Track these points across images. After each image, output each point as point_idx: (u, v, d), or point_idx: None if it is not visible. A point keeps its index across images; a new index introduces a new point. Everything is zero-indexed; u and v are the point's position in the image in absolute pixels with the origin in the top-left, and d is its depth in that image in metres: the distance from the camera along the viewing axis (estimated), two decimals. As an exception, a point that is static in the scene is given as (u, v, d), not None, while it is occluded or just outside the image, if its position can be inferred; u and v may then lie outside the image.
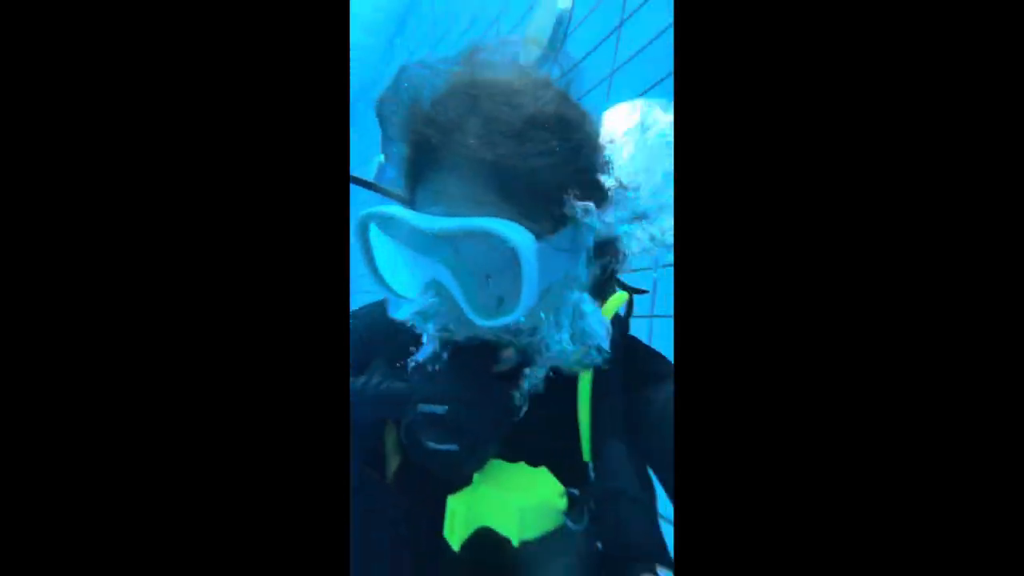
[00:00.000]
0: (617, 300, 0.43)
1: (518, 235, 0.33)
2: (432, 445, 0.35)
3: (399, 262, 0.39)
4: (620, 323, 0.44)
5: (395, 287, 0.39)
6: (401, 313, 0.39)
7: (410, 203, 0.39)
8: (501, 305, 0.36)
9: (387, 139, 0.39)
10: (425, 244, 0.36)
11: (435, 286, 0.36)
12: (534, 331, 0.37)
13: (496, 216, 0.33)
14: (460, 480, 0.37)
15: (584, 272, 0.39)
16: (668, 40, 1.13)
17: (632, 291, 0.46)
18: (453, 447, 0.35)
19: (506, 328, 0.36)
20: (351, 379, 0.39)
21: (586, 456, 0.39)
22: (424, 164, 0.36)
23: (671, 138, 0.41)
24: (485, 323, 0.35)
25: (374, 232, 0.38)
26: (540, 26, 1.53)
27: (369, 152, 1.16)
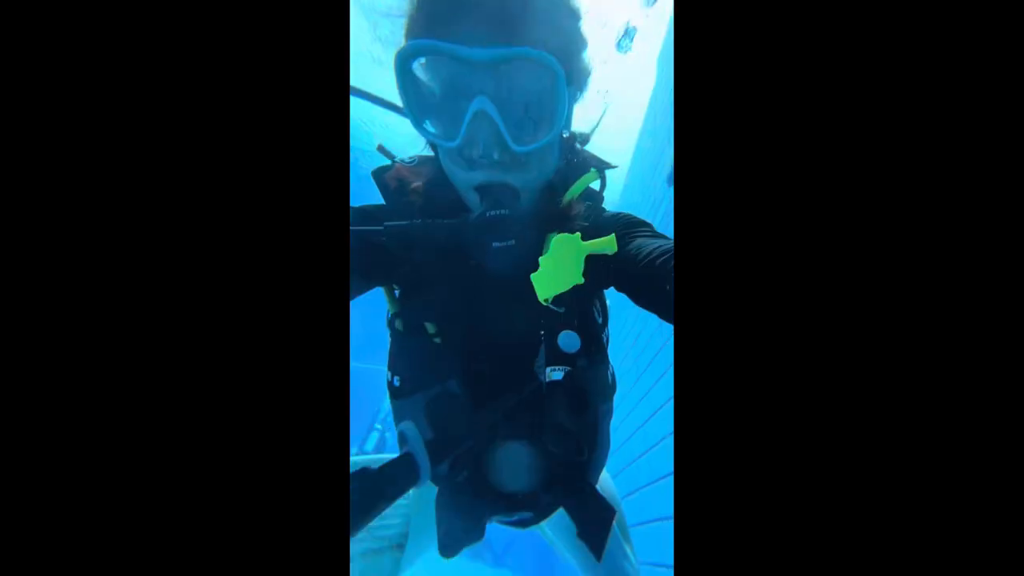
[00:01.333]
0: (589, 177, 0.51)
1: (554, 61, 0.39)
2: (496, 244, 0.43)
3: (443, 104, 0.43)
4: (596, 198, 0.53)
5: (438, 131, 0.44)
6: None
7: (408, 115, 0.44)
8: (536, 130, 0.43)
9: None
10: (467, 76, 0.40)
11: (481, 116, 0.40)
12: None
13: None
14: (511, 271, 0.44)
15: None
16: None
17: (601, 165, 0.52)
18: (510, 242, 0.43)
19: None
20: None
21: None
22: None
23: None
24: (521, 149, 0.42)
25: (414, 73, 0.42)
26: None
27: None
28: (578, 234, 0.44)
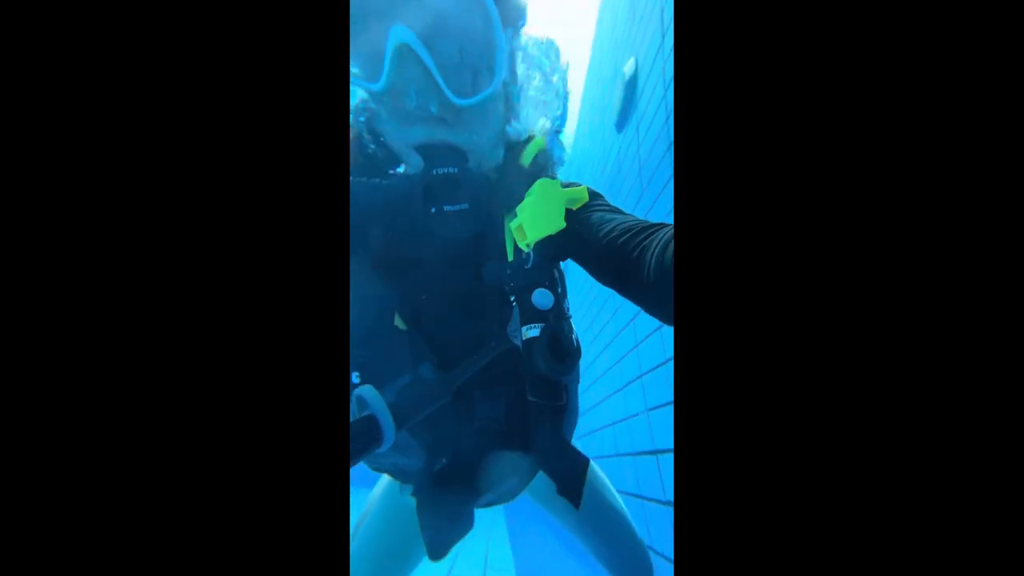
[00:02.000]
0: (537, 143, 0.48)
1: None
2: (447, 208, 0.41)
3: (354, 33, 0.37)
4: (542, 164, 0.49)
5: (357, 69, 0.38)
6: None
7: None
8: (475, 79, 0.39)
9: None
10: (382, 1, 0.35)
11: (406, 53, 0.35)
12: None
13: None
14: (467, 235, 0.42)
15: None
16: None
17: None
18: (463, 206, 0.41)
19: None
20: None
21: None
22: None
23: None
24: (463, 102, 0.38)
25: None
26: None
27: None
28: (558, 180, 0.42)
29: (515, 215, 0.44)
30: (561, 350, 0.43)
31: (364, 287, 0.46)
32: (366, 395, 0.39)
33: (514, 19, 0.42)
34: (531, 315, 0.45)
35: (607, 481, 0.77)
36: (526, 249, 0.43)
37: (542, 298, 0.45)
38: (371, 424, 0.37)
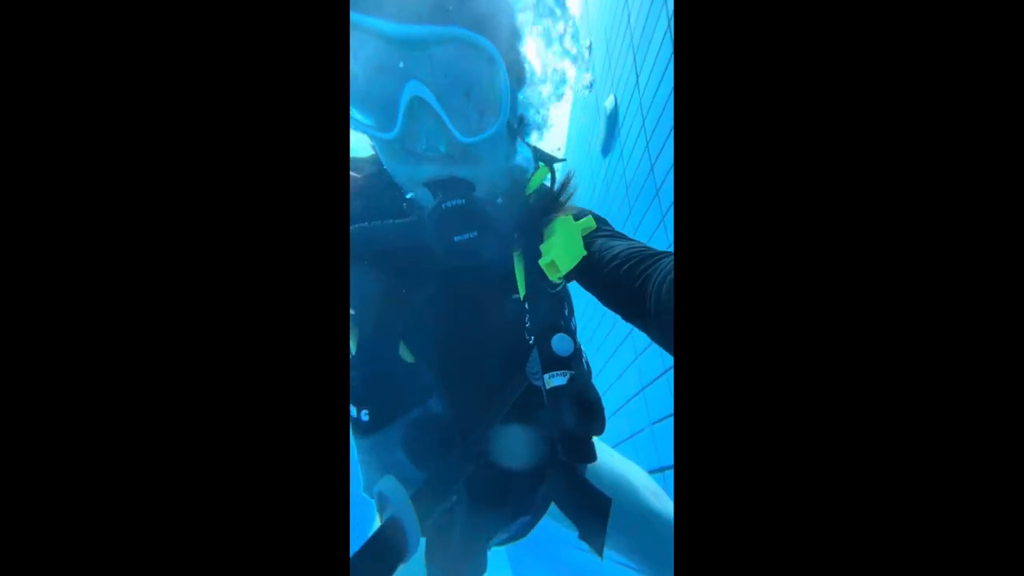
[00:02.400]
0: (541, 173, 0.51)
1: (489, 44, 0.37)
2: (456, 238, 0.42)
3: (368, 89, 0.39)
4: (548, 193, 0.52)
5: (372, 121, 0.40)
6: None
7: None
8: (481, 119, 0.41)
9: None
10: (394, 57, 0.36)
11: (418, 104, 0.38)
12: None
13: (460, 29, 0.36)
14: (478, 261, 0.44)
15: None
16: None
17: (549, 160, 0.52)
18: (473, 234, 0.42)
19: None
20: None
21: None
22: None
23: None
24: (468, 140, 0.40)
25: None
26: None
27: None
28: (570, 215, 0.46)
29: (523, 254, 0.48)
30: (590, 405, 0.41)
31: (373, 320, 0.45)
32: (387, 491, 0.38)
33: (515, 70, 0.43)
34: (552, 361, 0.44)
35: (649, 500, 0.68)
36: (557, 280, 0.45)
37: (562, 344, 0.45)
38: (395, 530, 0.36)
